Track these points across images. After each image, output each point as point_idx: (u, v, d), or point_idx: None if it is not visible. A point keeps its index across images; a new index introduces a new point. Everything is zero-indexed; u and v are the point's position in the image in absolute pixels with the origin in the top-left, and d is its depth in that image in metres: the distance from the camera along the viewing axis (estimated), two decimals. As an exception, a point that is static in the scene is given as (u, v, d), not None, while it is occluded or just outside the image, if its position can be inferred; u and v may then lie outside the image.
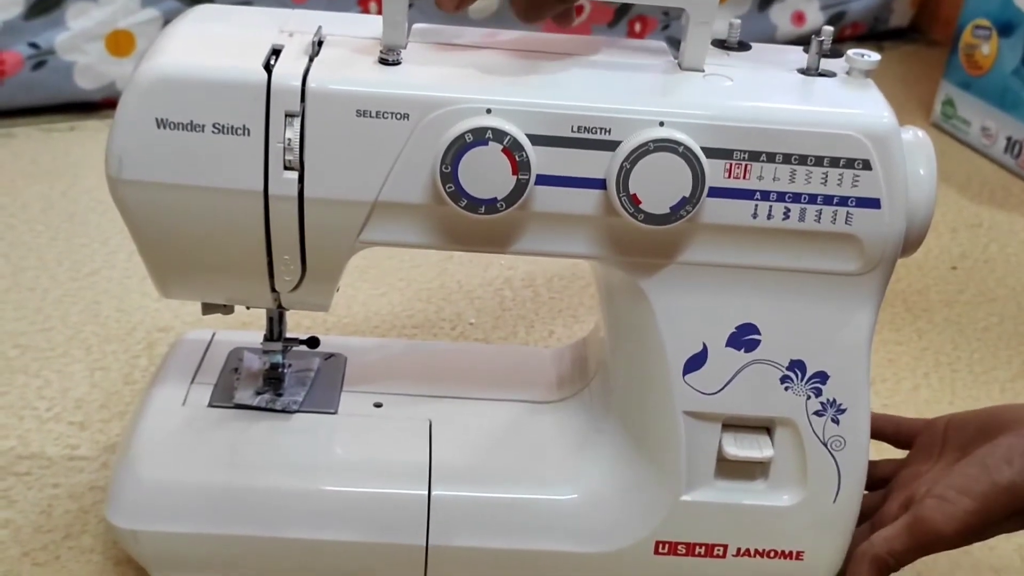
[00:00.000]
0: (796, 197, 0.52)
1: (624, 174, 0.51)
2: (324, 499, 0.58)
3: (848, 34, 1.64)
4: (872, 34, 1.68)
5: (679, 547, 0.59)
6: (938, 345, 0.91)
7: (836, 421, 0.57)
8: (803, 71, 0.56)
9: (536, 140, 0.51)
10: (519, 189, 0.51)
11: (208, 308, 0.60)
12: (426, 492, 0.59)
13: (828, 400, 0.56)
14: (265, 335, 0.63)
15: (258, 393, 0.62)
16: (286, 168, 0.51)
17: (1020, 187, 1.24)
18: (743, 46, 0.58)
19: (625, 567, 0.60)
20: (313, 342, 0.64)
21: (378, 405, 0.63)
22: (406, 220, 0.53)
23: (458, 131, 0.50)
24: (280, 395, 0.62)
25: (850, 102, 0.53)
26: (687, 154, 0.50)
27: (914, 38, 1.70)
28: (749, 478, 0.59)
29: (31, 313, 0.86)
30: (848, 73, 0.56)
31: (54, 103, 1.20)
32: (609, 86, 0.53)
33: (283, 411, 0.61)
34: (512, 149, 0.50)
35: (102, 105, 1.23)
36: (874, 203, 0.53)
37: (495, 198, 0.51)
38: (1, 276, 0.90)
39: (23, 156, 1.12)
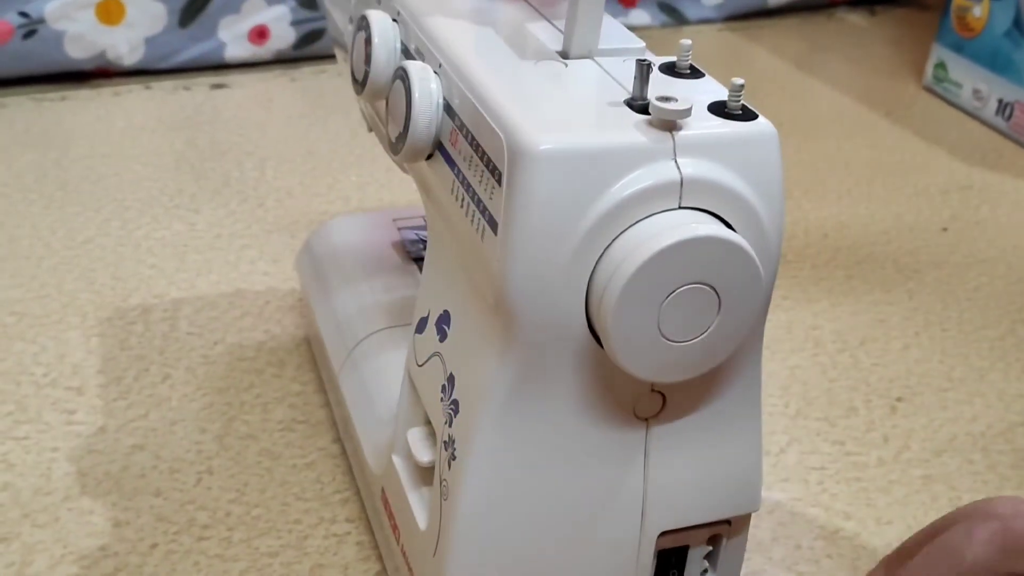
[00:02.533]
0: (467, 186, 0.46)
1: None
2: (340, 315, 0.72)
3: None
4: None
5: (389, 508, 0.57)
6: (928, 305, 0.92)
7: (449, 464, 0.48)
8: (628, 100, 0.45)
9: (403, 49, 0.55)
10: (365, 77, 0.56)
11: None
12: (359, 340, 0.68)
13: (450, 436, 0.48)
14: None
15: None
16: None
17: (1011, 149, 1.22)
18: (695, 72, 0.48)
19: (376, 499, 0.60)
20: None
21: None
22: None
23: (360, 11, 0.57)
24: None
25: (558, 115, 0.43)
26: (407, 89, 0.49)
27: (906, 1, 1.66)
28: (429, 482, 0.53)
29: (27, 281, 0.87)
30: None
31: (45, 72, 1.18)
32: (462, 27, 0.52)
33: (415, 259, 0.74)
34: (367, 41, 0.55)
35: (93, 74, 1.18)
36: (494, 226, 0.44)
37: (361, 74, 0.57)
38: (-3, 244, 0.92)
39: (15, 126, 1.11)
